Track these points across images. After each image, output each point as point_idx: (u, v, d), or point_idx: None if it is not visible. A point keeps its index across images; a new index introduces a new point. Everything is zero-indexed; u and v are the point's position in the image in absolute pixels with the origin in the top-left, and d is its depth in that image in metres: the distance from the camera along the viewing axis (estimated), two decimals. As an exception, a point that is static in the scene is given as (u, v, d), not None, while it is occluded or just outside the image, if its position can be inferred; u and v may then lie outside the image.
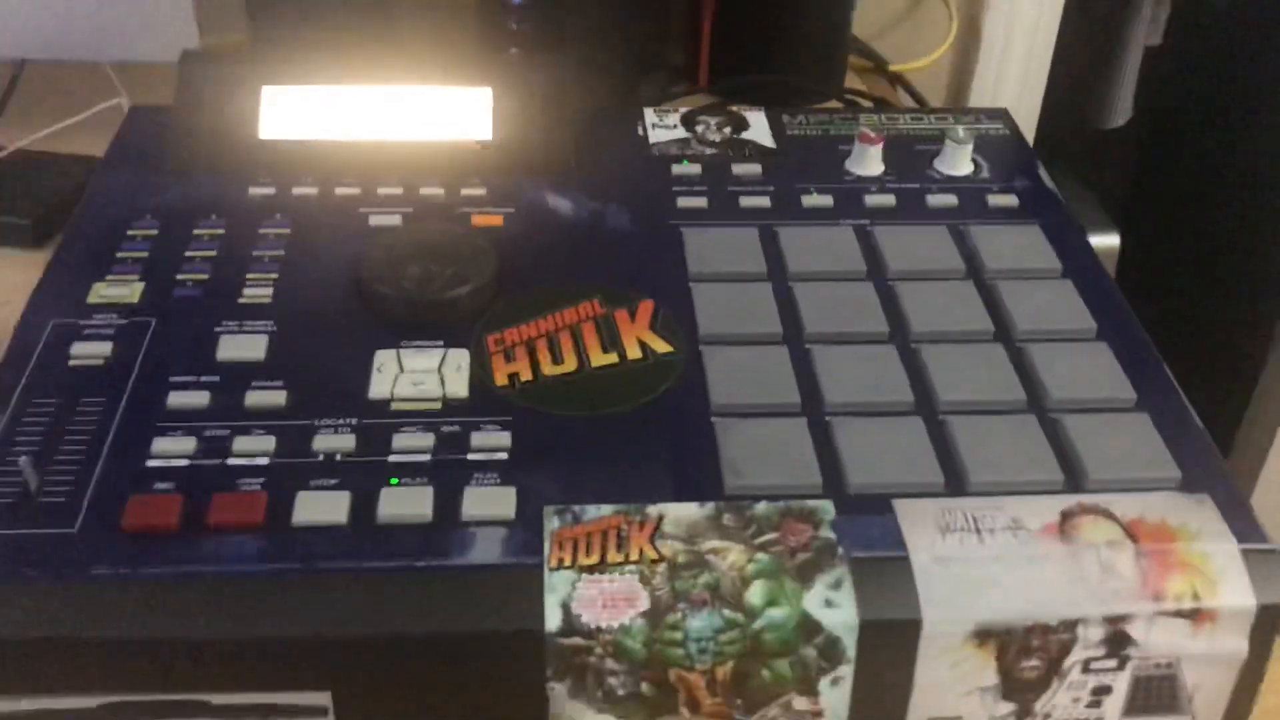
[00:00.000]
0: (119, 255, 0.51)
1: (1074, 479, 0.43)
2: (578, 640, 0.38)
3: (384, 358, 0.46)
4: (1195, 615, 0.40)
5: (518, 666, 0.38)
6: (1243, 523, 0.42)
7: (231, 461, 0.42)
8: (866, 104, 0.71)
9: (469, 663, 0.38)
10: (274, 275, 0.50)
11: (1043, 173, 0.59)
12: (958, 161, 0.59)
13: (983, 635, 0.39)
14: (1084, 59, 1.24)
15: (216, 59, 0.58)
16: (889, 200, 0.56)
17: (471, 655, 0.38)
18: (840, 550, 0.40)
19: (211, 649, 0.38)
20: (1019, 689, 0.40)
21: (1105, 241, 1.30)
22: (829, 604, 0.39)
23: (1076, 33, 1.16)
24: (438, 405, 0.45)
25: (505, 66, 0.59)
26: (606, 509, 0.41)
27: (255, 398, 0.44)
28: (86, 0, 0.73)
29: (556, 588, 0.39)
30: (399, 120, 0.57)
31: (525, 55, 0.67)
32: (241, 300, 0.49)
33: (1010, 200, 0.57)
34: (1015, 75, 1.06)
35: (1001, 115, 0.63)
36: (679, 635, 0.38)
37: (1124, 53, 1.26)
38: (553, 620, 0.38)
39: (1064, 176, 1.38)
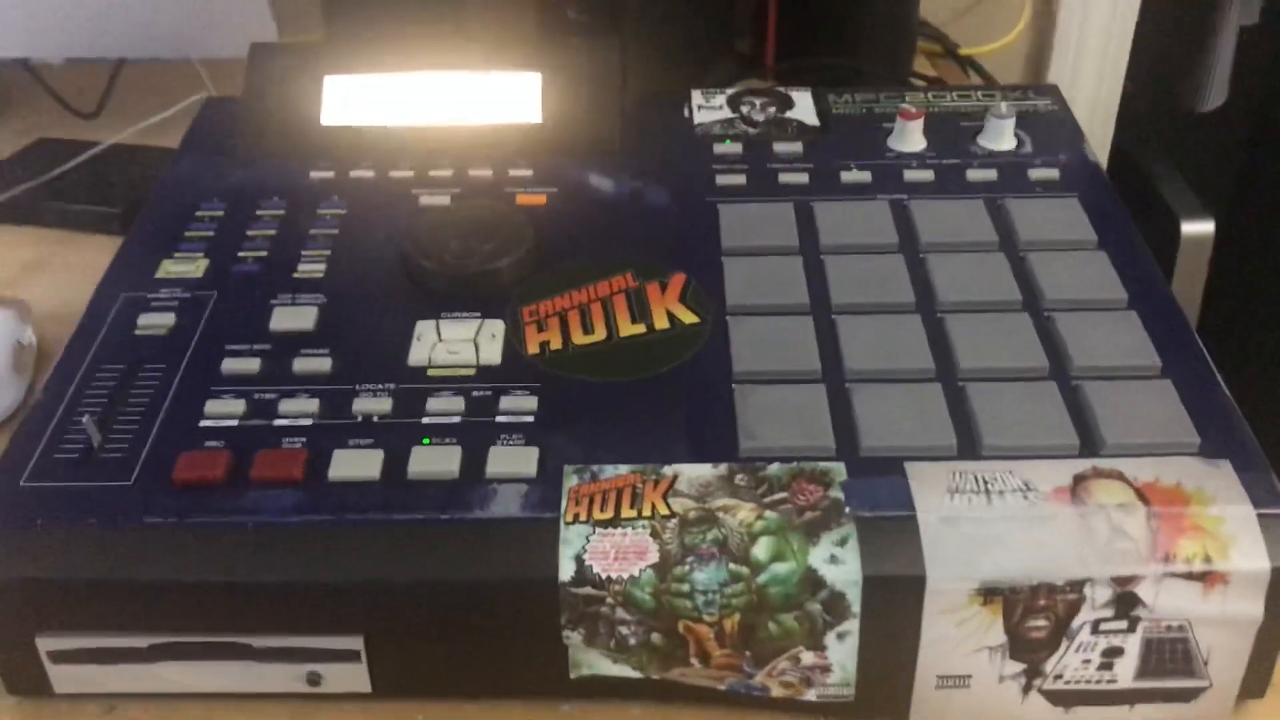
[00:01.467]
0: (186, 234, 0.54)
1: (1090, 444, 0.43)
2: (589, 590, 0.40)
3: (423, 327, 0.49)
4: (1206, 578, 0.40)
5: (535, 615, 0.40)
6: (1261, 488, 0.42)
7: (277, 422, 0.45)
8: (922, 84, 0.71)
9: (490, 610, 0.41)
10: (327, 252, 0.53)
11: (1087, 147, 0.59)
12: (1000, 136, 0.59)
13: (988, 593, 0.40)
14: (1173, 39, 1.22)
15: (283, 50, 0.62)
16: (928, 175, 0.57)
17: (492, 603, 0.41)
18: (848, 509, 0.41)
19: (251, 593, 0.41)
20: (1027, 648, 0.41)
21: (1199, 228, 1.27)
22: (833, 560, 0.40)
23: (1163, 11, 1.14)
24: (471, 372, 0.47)
25: (554, 53, 0.61)
26: (624, 468, 0.43)
27: (302, 364, 0.47)
28: (178, 2, 0.77)
29: (571, 540, 0.41)
30: (452, 105, 0.60)
31: (580, 41, 0.69)
32: (296, 275, 0.52)
33: (1051, 174, 0.57)
34: (1094, 57, 1.04)
35: (1051, 91, 0.63)
36: (686, 587, 0.40)
37: (1216, 33, 1.23)
38: (566, 570, 0.40)
39: (1155, 160, 1.35)
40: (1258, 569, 0.40)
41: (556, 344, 0.48)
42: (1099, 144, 1.19)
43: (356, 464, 0.43)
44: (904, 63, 0.91)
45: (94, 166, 0.76)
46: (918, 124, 0.59)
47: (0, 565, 0.41)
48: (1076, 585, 0.40)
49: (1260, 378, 1.31)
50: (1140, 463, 0.43)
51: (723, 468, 0.43)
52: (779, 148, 0.59)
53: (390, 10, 0.77)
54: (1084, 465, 0.43)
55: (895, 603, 0.40)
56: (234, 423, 0.45)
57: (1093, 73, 1.07)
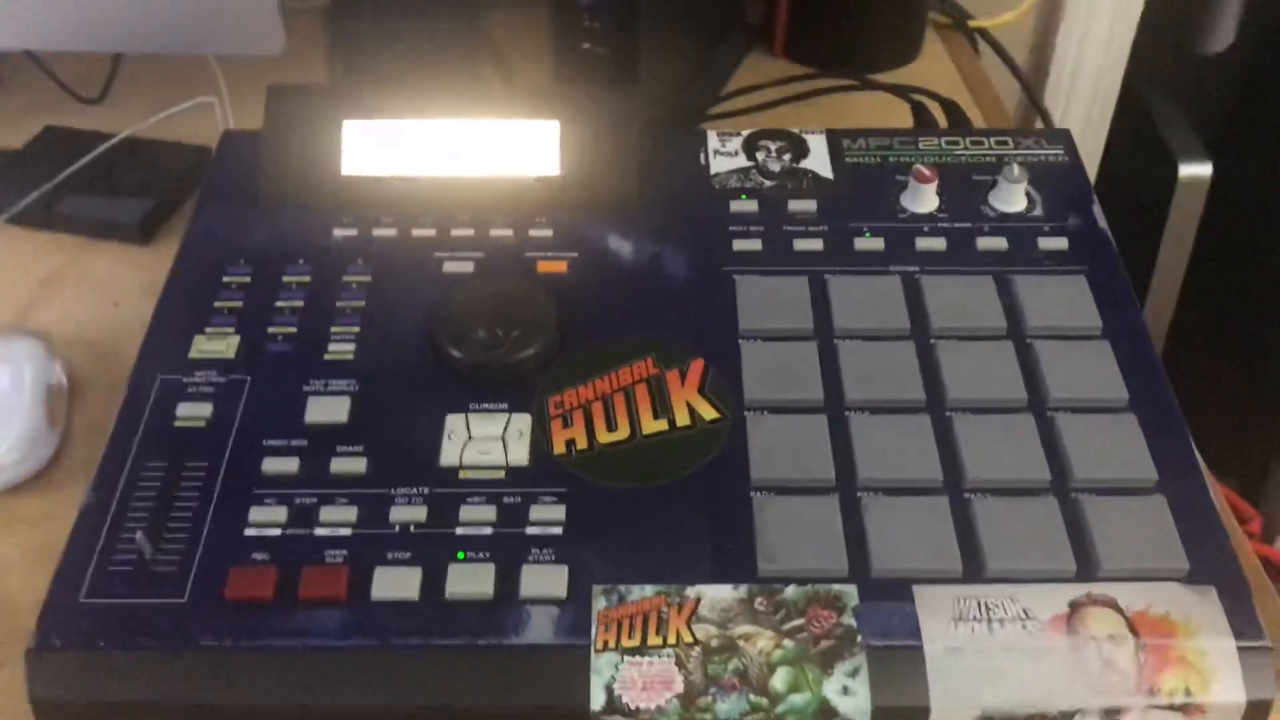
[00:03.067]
0: (216, 305, 0.56)
1: (1086, 567, 0.46)
2: (619, 718, 0.43)
3: (453, 423, 0.51)
4: (1186, 709, 0.44)
5: (567, 738, 0.44)
6: (1243, 617, 0.45)
7: (318, 531, 0.47)
8: (933, 103, 0.71)
9: (523, 736, 0.44)
10: (356, 329, 0.54)
11: (1096, 210, 0.60)
12: (1012, 199, 0.60)
13: (986, 721, 0.44)
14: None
15: (301, 93, 0.61)
16: (939, 244, 0.58)
17: (526, 728, 0.44)
18: (860, 638, 0.44)
19: (302, 715, 0.44)
20: (1019, 765, 0.45)
21: (1196, 171, 1.27)
22: (846, 691, 0.43)
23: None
24: (501, 475, 0.49)
25: (572, 99, 0.61)
26: (649, 590, 0.45)
27: (339, 465, 0.49)
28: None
29: (601, 670, 0.44)
30: (471, 154, 0.60)
31: (595, 48, 0.69)
32: (327, 357, 0.53)
33: (1060, 244, 0.58)
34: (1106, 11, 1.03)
35: (1063, 139, 0.64)
36: (709, 716, 0.43)
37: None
38: (597, 700, 0.43)
39: (1159, 102, 1.35)
40: (1234, 702, 0.44)
41: (582, 443, 0.50)
42: (1108, 92, 1.18)
43: (397, 584, 0.45)
44: (916, 36, 0.91)
45: (105, 161, 0.76)
46: (931, 185, 0.60)
47: (66, 687, 0.43)
48: (1068, 715, 0.44)
49: (1253, 327, 1.33)
50: (1132, 589, 0.46)
51: (743, 589, 0.46)
52: (794, 206, 0.60)
53: (400, 53, 0.76)
54: (1080, 591, 0.46)
55: (901, 729, 0.44)
56: (277, 532, 0.47)
57: (1105, 25, 1.06)
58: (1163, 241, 1.31)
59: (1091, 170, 1.31)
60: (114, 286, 0.71)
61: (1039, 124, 0.94)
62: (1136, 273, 1.34)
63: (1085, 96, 1.19)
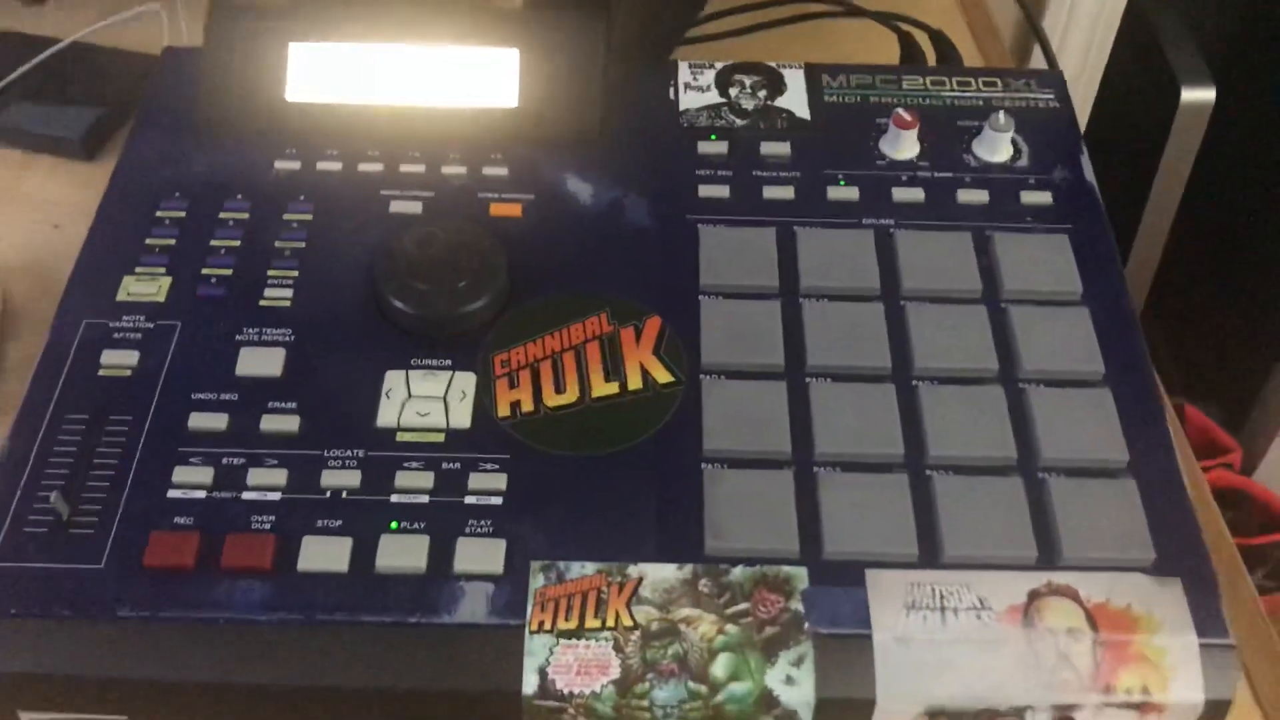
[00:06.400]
0: (147, 242, 0.52)
1: (1048, 554, 0.44)
2: (552, 703, 0.41)
3: (393, 380, 0.48)
4: (1142, 707, 0.42)
5: (498, 720, 0.42)
6: (1207, 612, 0.43)
7: (246, 495, 0.45)
8: (921, 34, 0.67)
9: (453, 717, 0.42)
10: (294, 273, 0.51)
11: (1084, 162, 0.57)
12: (997, 148, 0.57)
13: (933, 715, 0.42)
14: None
15: (246, 11, 0.57)
16: (917, 195, 0.55)
17: (455, 710, 0.42)
18: (806, 625, 0.42)
19: (220, 692, 0.42)
20: (967, 758, 0.43)
21: (1199, 96, 1.23)
22: (789, 680, 0.42)
23: None
24: (440, 438, 0.47)
25: (535, 25, 0.57)
26: (589, 567, 0.43)
27: (270, 422, 0.47)
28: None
29: (535, 652, 0.42)
30: (425, 83, 0.57)
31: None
32: (262, 303, 0.50)
33: (1044, 198, 0.55)
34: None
35: (1055, 82, 0.60)
36: (646, 703, 0.41)
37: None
38: (529, 684, 0.41)
39: (1164, 21, 1.30)
40: (1193, 701, 0.42)
41: (528, 405, 0.48)
42: (1113, 9, 1.14)
43: (325, 555, 0.43)
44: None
45: (49, 68, 0.72)
46: (912, 131, 0.56)
47: (-25, 654, 0.42)
48: (1019, 711, 0.42)
49: (1246, 256, 1.31)
50: (1094, 579, 0.44)
51: (687, 570, 0.44)
52: (766, 149, 0.57)
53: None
54: (1040, 580, 0.44)
55: (845, 720, 0.42)
56: (202, 494, 0.45)
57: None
58: (1161, 166, 1.28)
59: (1091, 91, 1.27)
60: (55, 206, 0.68)
61: (1036, 47, 0.90)
62: (1133, 197, 1.31)
63: (1089, 11, 1.14)
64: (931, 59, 0.68)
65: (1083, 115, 1.28)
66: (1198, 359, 1.38)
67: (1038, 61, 1.12)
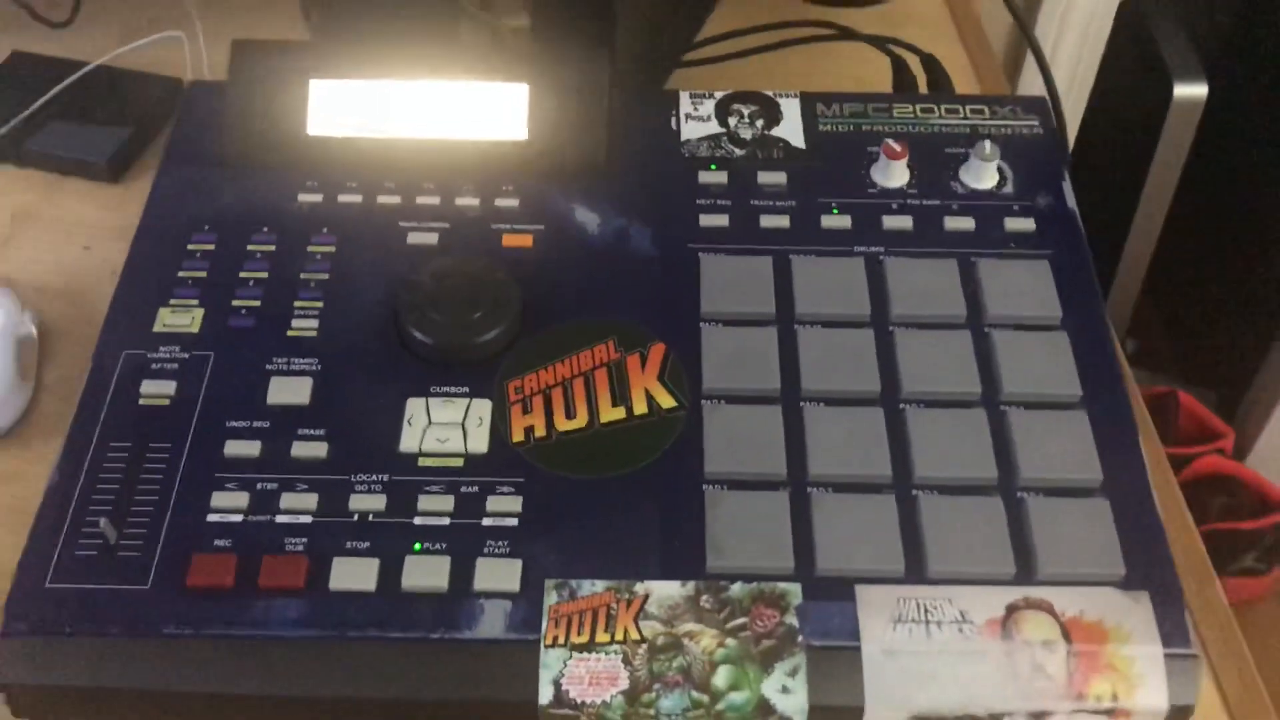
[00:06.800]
0: (180, 275, 0.56)
1: (1026, 570, 0.47)
2: (566, 711, 0.45)
3: (414, 408, 0.51)
4: (1112, 713, 0.45)
5: (517, 729, 0.46)
6: (1172, 624, 0.46)
7: (279, 519, 0.48)
8: (913, 57, 0.70)
9: (474, 726, 0.46)
10: (319, 304, 0.55)
11: (1066, 188, 0.60)
12: (982, 175, 0.60)
13: (918, 721, 0.45)
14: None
15: (266, 49, 0.60)
16: (906, 223, 0.58)
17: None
18: (800, 638, 0.46)
19: (259, 704, 0.45)
20: (949, 762, 0.47)
21: (1191, 91, 1.25)
22: (784, 689, 0.45)
23: None
24: (460, 463, 0.50)
25: (542, 61, 0.60)
26: (599, 585, 0.47)
27: (300, 449, 0.50)
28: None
29: (550, 665, 0.45)
30: (439, 117, 0.60)
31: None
32: (290, 333, 0.54)
33: (1027, 225, 0.58)
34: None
35: (1039, 108, 0.63)
36: (652, 712, 0.45)
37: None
38: (545, 695, 0.45)
39: (1157, 17, 1.32)
40: (1157, 707, 0.45)
41: (541, 431, 0.51)
42: (1105, 11, 1.16)
43: (355, 575, 0.47)
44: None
45: (75, 92, 0.75)
46: (901, 161, 0.59)
47: (33, 671, 0.45)
48: (997, 717, 0.45)
49: (1239, 247, 1.33)
50: (1068, 594, 0.47)
51: (690, 586, 0.47)
52: (764, 178, 0.60)
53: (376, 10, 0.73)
54: (1017, 594, 0.47)
55: (836, 727, 0.46)
56: (239, 518, 0.48)
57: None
58: (1154, 159, 1.30)
59: (1086, 88, 1.29)
60: (84, 228, 0.71)
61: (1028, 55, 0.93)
62: (1126, 193, 1.34)
63: (1082, 9, 1.16)
64: (922, 81, 0.70)
65: (1077, 111, 1.31)
66: (1192, 344, 1.41)
67: (1031, 64, 1.14)
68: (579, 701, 0.45)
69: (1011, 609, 0.47)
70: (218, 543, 0.48)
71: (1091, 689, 0.45)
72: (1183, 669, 0.46)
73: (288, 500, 0.49)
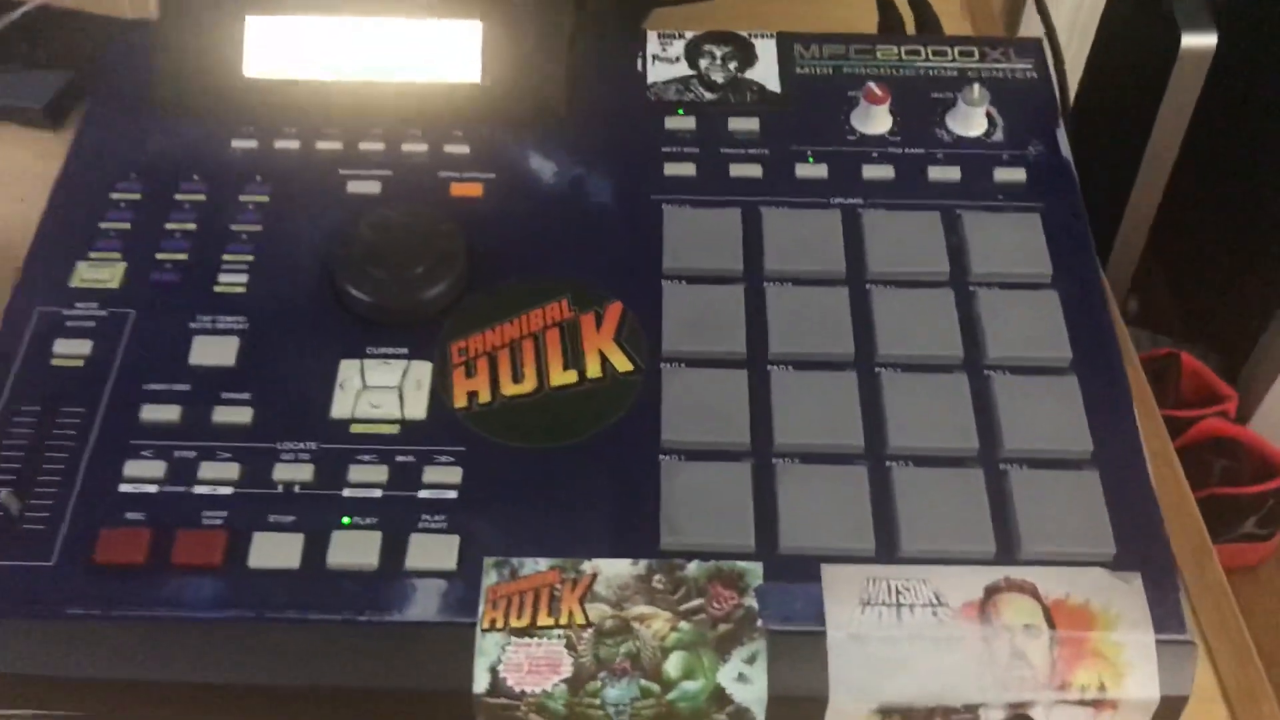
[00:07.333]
0: (101, 227, 0.52)
1: (1007, 549, 0.44)
2: (504, 700, 0.41)
3: (348, 370, 0.47)
4: (1097, 704, 0.42)
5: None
6: (1165, 608, 0.43)
7: (197, 490, 0.44)
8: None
9: (404, 716, 0.42)
10: (249, 257, 0.51)
11: (1060, 136, 0.56)
12: (970, 122, 0.55)
13: (886, 712, 0.42)
14: None
15: (199, -18, 0.56)
16: (887, 173, 0.54)
17: (407, 709, 0.42)
18: (760, 622, 0.42)
19: (171, 690, 0.42)
20: (920, 755, 0.43)
21: (1200, 42, 1.21)
22: (742, 678, 0.41)
23: None
24: (395, 429, 0.46)
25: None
26: (543, 564, 0.43)
27: (222, 414, 0.46)
28: None
29: (487, 651, 0.42)
30: (386, 57, 0.55)
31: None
32: (217, 289, 0.50)
33: (1018, 175, 0.54)
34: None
35: (1034, 50, 0.59)
36: (598, 701, 0.41)
37: None
38: (480, 683, 0.41)
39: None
40: (1147, 698, 0.42)
41: (485, 395, 0.47)
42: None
43: (276, 551, 0.43)
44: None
45: (12, 32, 0.70)
46: (883, 106, 0.55)
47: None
48: (972, 708, 0.42)
49: (1246, 204, 1.29)
50: (1053, 574, 0.43)
51: (641, 565, 0.43)
52: (734, 125, 0.55)
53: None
54: (997, 575, 0.43)
55: (797, 718, 0.42)
56: (154, 489, 0.44)
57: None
58: (1160, 112, 1.26)
59: (1087, 37, 1.24)
60: (19, 178, 0.67)
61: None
62: (1130, 146, 1.29)
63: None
64: (911, 25, 0.66)
65: (1079, 61, 1.26)
66: (1197, 304, 1.37)
67: (1030, 13, 1.09)
68: (518, 690, 0.41)
69: (991, 591, 0.43)
70: (130, 516, 0.44)
71: (1076, 678, 0.42)
72: (1176, 656, 0.42)
73: (207, 470, 0.45)
